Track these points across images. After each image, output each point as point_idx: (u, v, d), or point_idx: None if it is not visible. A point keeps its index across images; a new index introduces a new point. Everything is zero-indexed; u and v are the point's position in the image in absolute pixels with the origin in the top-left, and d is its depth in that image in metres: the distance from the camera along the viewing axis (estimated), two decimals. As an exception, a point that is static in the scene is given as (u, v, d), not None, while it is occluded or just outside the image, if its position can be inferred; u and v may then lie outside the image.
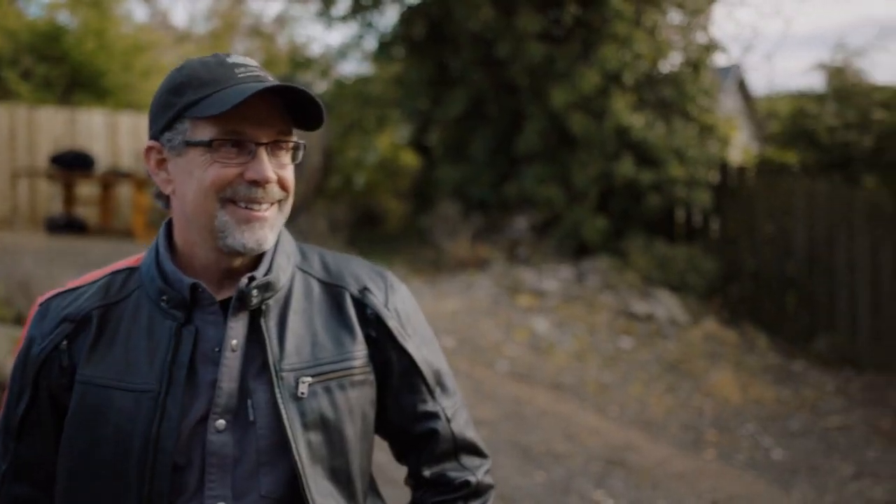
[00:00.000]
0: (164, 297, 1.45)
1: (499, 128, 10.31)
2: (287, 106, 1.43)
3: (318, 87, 12.59)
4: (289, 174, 1.45)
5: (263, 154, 1.40)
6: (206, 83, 1.40)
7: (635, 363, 7.19)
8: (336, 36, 46.65)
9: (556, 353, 7.19)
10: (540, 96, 9.66)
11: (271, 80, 1.43)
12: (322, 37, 36.81)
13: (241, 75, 1.41)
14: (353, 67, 25.10)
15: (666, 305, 8.36)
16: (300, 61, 12.92)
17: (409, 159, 13.43)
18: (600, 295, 8.41)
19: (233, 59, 1.44)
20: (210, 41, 17.85)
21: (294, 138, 1.45)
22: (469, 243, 9.67)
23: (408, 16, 10.89)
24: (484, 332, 7.38)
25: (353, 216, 12.58)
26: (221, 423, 1.39)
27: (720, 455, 5.57)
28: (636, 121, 9.12)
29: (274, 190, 1.42)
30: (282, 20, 16.74)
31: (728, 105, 13.92)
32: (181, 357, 1.41)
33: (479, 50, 10.19)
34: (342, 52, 12.18)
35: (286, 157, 1.44)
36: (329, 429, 1.44)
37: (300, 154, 1.46)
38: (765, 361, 7.78)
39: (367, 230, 12.60)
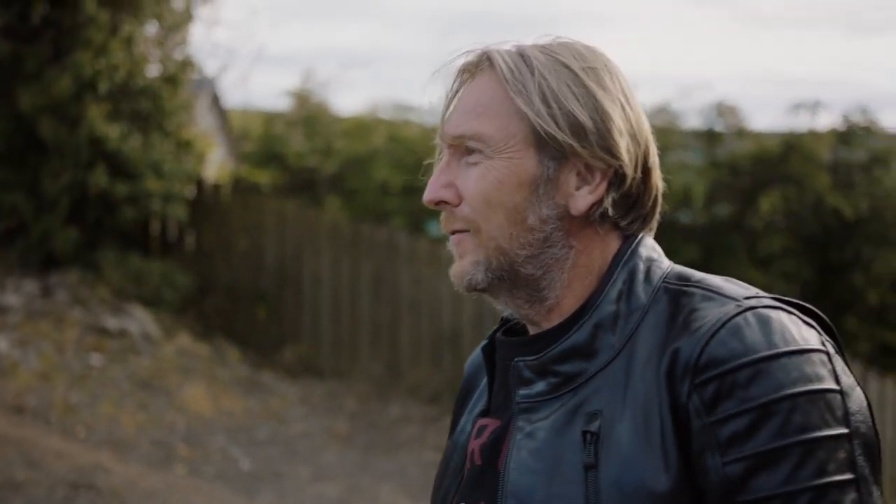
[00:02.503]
0: None
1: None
2: None
3: None
4: None
5: None
6: None
7: (106, 381, 7.03)
8: None
9: (19, 373, 6.76)
10: (5, 97, 8.99)
11: None
12: None
13: None
14: None
15: (139, 320, 8.27)
16: None
17: None
18: (70, 310, 8.07)
19: None
20: None
21: None
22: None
23: None
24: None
25: None
26: None
27: (191, 469, 5.68)
28: (111, 131, 8.91)
29: None
30: None
31: (205, 121, 14.16)
32: None
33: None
34: None
35: None
36: None
37: None
38: (236, 374, 8.07)
39: None
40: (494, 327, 1.20)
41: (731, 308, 1.01)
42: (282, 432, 6.79)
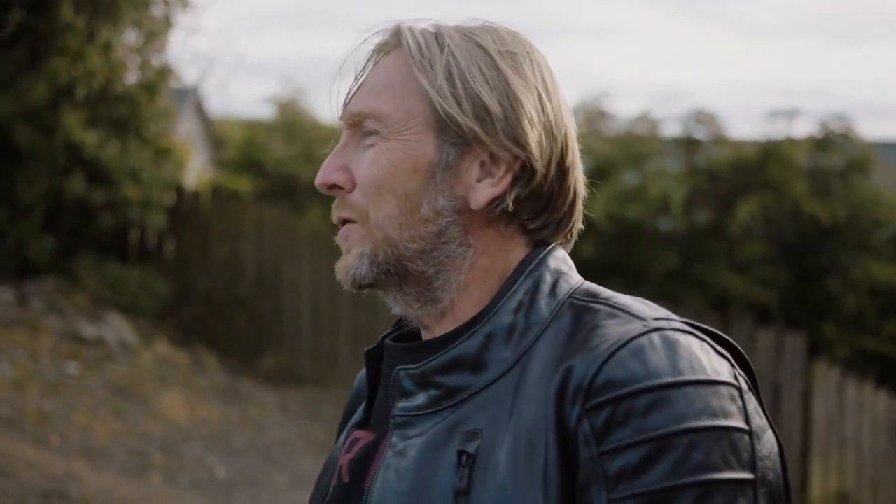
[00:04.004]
0: None
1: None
2: None
3: None
4: None
5: None
6: None
7: (82, 389, 6.97)
8: None
9: (-7, 382, 6.69)
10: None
11: None
12: None
13: None
14: None
15: (116, 328, 8.22)
16: None
17: None
18: (45, 318, 8.00)
19: None
20: None
21: None
22: None
23: None
24: None
25: None
26: None
27: (167, 478, 5.63)
28: (89, 138, 8.86)
29: None
30: None
31: (186, 128, 14.12)
32: None
33: None
34: None
35: None
36: None
37: None
38: (214, 382, 8.02)
39: None
40: (387, 331, 1.09)
41: (636, 327, 0.90)
42: (259, 440, 6.75)
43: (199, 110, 21.75)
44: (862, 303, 8.60)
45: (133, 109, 9.35)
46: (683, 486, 0.84)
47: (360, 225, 1.00)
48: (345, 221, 1.02)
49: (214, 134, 16.30)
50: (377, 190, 0.98)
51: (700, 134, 9.63)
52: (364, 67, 1.03)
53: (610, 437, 0.86)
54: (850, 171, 9.19)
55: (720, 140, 9.63)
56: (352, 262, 1.01)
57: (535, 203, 0.99)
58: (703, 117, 9.56)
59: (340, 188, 1.01)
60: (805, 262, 8.88)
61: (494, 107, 0.96)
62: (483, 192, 0.98)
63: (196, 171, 11.81)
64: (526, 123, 0.97)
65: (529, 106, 0.97)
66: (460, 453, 0.91)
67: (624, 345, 0.88)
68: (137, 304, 8.77)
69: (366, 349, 1.10)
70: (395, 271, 0.99)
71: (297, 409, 7.84)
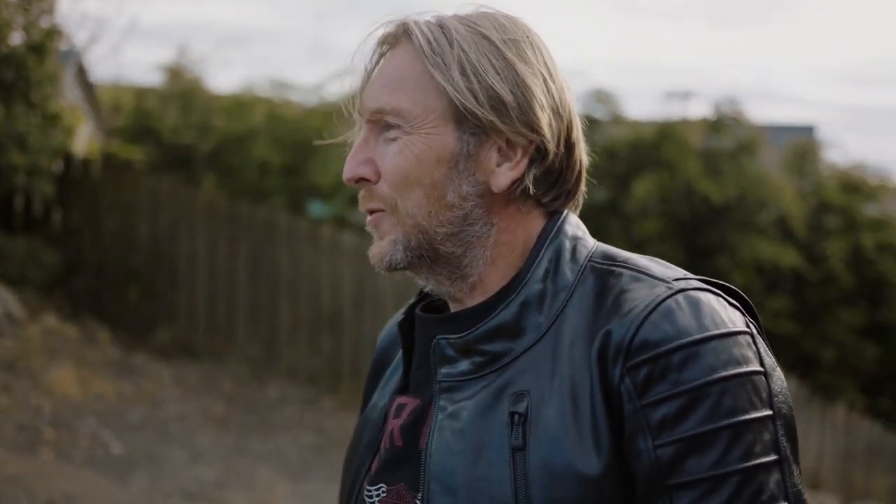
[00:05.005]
0: None
1: None
2: None
3: None
4: None
5: None
6: None
7: (-34, 363, 6.68)
8: None
9: None
10: None
11: None
12: None
13: None
14: None
15: (2, 300, 7.89)
16: None
17: None
18: (-75, 289, 7.63)
19: None
20: None
21: None
22: None
23: None
24: None
25: None
26: None
27: (59, 454, 5.46)
28: (-28, 101, 8.44)
29: None
30: None
31: (70, 94, 13.58)
32: None
33: None
34: None
35: None
36: None
37: None
38: (107, 355, 7.80)
39: None
40: (411, 301, 1.17)
41: (661, 290, 1.00)
42: (155, 415, 6.60)
43: (82, 75, 20.91)
44: (748, 280, 8.93)
45: (19, 72, 8.95)
46: (718, 430, 0.95)
47: (389, 214, 1.07)
48: (371, 211, 1.09)
49: (99, 100, 15.73)
50: (404, 181, 1.05)
51: (599, 113, 9.80)
52: (372, 59, 1.09)
53: (650, 392, 0.96)
54: (740, 152, 9.51)
55: (618, 120, 9.82)
56: (386, 248, 1.08)
57: (548, 178, 1.08)
58: (602, 97, 9.74)
59: (367, 180, 1.07)
60: (697, 240, 9.17)
61: (507, 96, 1.03)
62: (504, 175, 1.05)
63: (83, 138, 11.40)
64: (537, 109, 1.04)
65: (538, 91, 1.04)
66: (512, 414, 1.00)
67: (655, 308, 0.98)
68: (24, 275, 8.43)
69: (396, 318, 1.19)
70: (426, 254, 1.07)
71: (193, 383, 7.69)
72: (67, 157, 9.30)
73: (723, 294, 1.03)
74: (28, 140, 8.81)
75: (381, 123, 1.06)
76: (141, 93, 11.29)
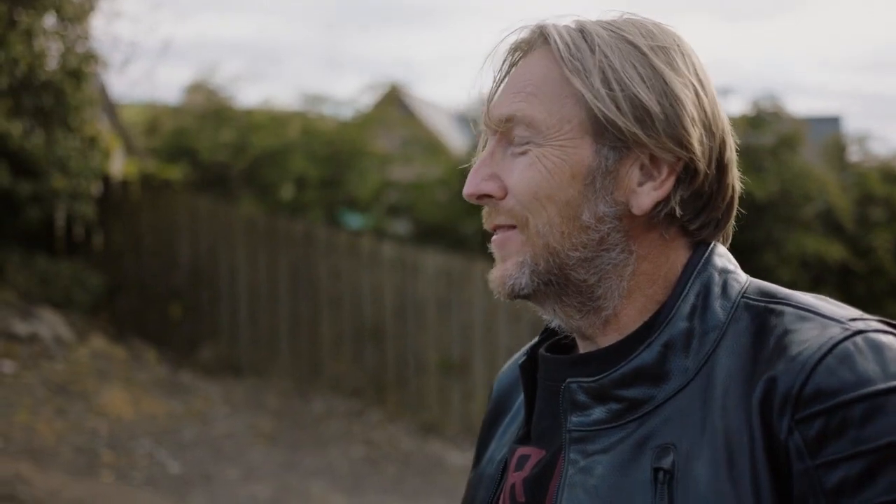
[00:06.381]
0: None
1: None
2: None
3: None
4: None
5: None
6: None
7: (20, 388, 6.73)
8: None
9: (-76, 384, 6.41)
10: None
11: None
12: None
13: None
14: None
15: (50, 323, 7.95)
16: None
17: None
18: (-26, 316, 7.70)
19: None
20: None
21: None
22: None
23: None
24: None
25: None
26: None
27: (118, 476, 5.48)
28: (13, 128, 8.53)
29: None
30: None
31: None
32: None
33: None
34: None
35: None
36: None
37: None
38: (154, 375, 7.83)
39: None
40: (534, 340, 1.05)
41: (836, 331, 0.86)
42: (207, 433, 6.61)
43: (104, 96, 21.08)
44: (795, 275, 8.83)
45: (57, 98, 9.04)
46: None
47: (519, 231, 0.96)
48: (497, 228, 0.98)
49: (123, 121, 15.86)
50: (534, 197, 0.94)
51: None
52: (502, 68, 0.99)
53: (826, 450, 0.82)
54: (781, 147, 9.40)
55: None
56: (511, 270, 0.96)
57: (696, 203, 0.95)
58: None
59: (491, 197, 0.97)
60: (742, 238, 9.08)
61: (654, 107, 0.92)
62: (646, 196, 0.94)
63: (118, 160, 11.48)
64: (687, 122, 0.92)
65: (689, 103, 0.93)
66: (656, 470, 0.88)
67: (829, 351, 0.85)
68: (69, 298, 8.50)
69: (517, 359, 1.05)
70: (555, 280, 0.95)
71: (239, 399, 7.71)
72: (106, 180, 9.38)
73: None
74: (69, 164, 8.89)
75: (508, 136, 0.96)
76: (175, 112, 11.36)
